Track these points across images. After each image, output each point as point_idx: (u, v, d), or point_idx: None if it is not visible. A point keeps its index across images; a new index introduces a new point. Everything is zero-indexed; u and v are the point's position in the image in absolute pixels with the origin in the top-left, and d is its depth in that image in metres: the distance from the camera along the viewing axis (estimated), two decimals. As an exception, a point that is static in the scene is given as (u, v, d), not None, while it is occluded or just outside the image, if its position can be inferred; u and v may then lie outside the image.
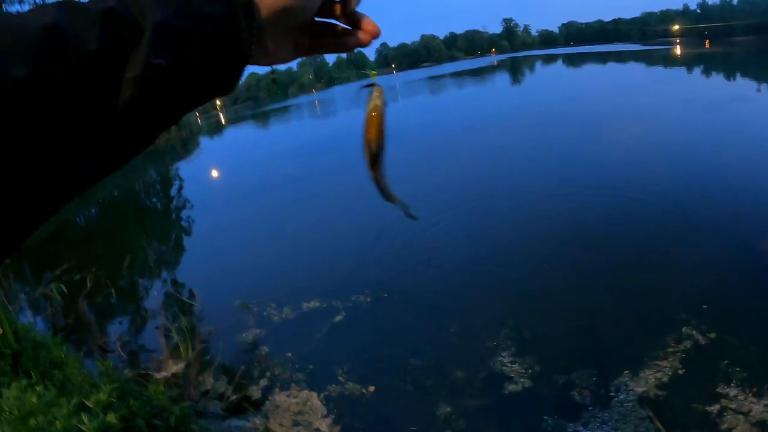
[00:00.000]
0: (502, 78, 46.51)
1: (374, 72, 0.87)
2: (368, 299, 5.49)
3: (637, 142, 10.92)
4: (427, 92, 40.39)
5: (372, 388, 4.13)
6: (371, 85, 0.86)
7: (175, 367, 4.74)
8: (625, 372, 3.77)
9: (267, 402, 4.20)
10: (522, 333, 4.43)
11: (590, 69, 44.87)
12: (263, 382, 4.42)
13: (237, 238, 9.24)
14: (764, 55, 35.87)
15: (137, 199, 20.43)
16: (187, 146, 38.04)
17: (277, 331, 5.25)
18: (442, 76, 59.55)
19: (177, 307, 6.19)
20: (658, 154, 9.62)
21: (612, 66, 43.69)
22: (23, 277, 9.75)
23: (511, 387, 3.87)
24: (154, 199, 19.45)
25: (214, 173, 20.86)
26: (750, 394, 3.36)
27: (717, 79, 24.23)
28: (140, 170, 30.82)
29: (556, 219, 6.86)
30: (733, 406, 3.31)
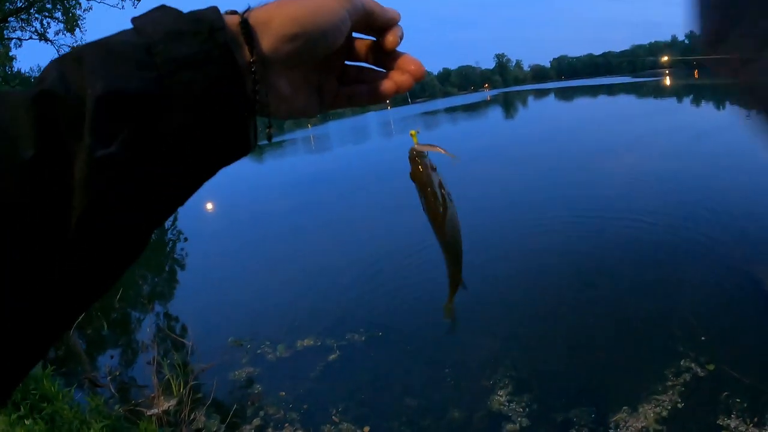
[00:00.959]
0: (496, 112, 47.07)
1: (414, 131, 0.69)
2: (363, 338, 5.43)
3: (630, 172, 10.99)
4: (422, 127, 40.69)
5: (367, 429, 4.07)
6: (418, 154, 0.67)
7: (167, 404, 4.67)
8: (624, 408, 3.74)
9: (260, 442, 4.14)
10: (519, 370, 4.39)
11: (582, 102, 45.61)
12: (257, 422, 4.35)
13: (231, 273, 9.19)
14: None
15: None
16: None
17: (271, 369, 5.19)
18: (436, 112, 60.10)
19: (169, 342, 6.11)
20: (653, 184, 9.66)
21: (603, 99, 44.40)
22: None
23: (509, 426, 3.82)
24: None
25: (209, 206, 20.86)
26: (751, 425, 3.35)
27: (707, 108, 24.64)
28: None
29: (551, 254, 6.85)
30: (734, 438, 3.29)
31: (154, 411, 4.55)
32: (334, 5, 0.54)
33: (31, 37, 26.66)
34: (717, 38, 0.48)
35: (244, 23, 0.51)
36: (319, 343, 5.45)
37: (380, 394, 4.51)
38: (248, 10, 0.54)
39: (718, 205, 7.64)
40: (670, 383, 3.88)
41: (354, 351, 5.25)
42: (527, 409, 3.94)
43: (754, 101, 0.46)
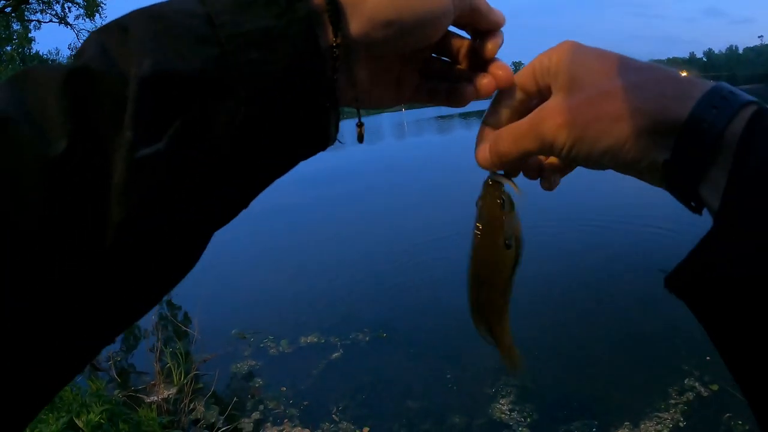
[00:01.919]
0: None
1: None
2: (367, 338, 5.42)
3: (637, 186, 10.92)
4: (435, 131, 40.73)
5: (366, 429, 4.05)
6: (496, 185, 0.56)
7: (167, 392, 4.66)
8: (626, 423, 3.71)
9: (258, 436, 4.14)
10: (522, 380, 4.36)
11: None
12: (256, 415, 4.34)
13: (237, 265, 9.19)
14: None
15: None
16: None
17: (273, 364, 5.19)
18: (451, 116, 60.07)
19: (172, 330, 6.12)
20: (664, 196, 9.57)
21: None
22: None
23: (509, 436, 3.80)
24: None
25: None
26: (752, 447, 3.32)
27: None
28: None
29: (557, 265, 6.81)
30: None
31: (154, 398, 4.55)
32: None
33: (51, 20, 26.87)
34: None
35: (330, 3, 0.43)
36: (323, 341, 5.44)
37: (381, 395, 4.49)
38: None
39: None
40: (673, 401, 3.85)
41: (357, 350, 5.24)
42: (528, 419, 3.91)
43: None
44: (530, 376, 4.41)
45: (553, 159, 0.57)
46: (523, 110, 0.53)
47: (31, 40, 27.14)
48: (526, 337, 5.07)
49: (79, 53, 0.40)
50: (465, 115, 57.52)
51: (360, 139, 0.54)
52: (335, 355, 5.16)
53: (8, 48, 25.40)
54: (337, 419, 4.17)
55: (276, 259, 9.40)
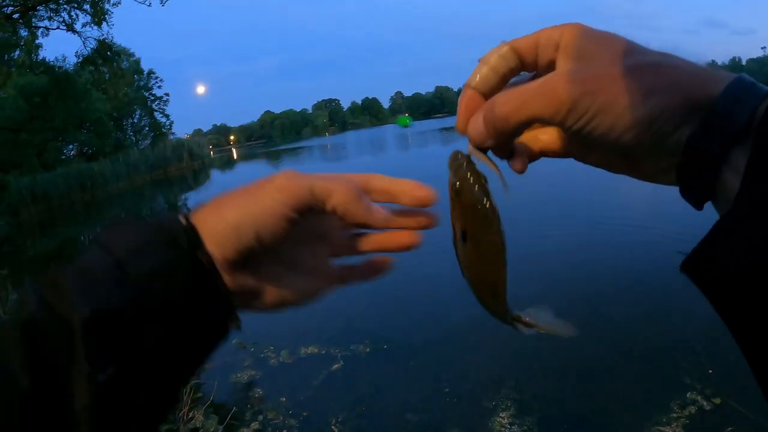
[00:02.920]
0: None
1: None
2: (368, 349, 5.41)
3: (645, 195, 10.90)
4: (439, 143, 40.79)
5: (365, 441, 4.05)
6: (468, 161, 0.54)
7: (166, 402, 4.65)
8: (627, 438, 3.69)
9: (257, 446, 4.12)
10: (522, 393, 4.35)
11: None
12: (255, 425, 4.33)
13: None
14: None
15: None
16: (197, 178, 38.39)
17: (273, 374, 5.18)
18: (455, 128, 60.15)
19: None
20: (668, 206, 9.57)
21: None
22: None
23: (509, 450, 3.79)
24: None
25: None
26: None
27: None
28: (149, 197, 31.07)
29: (556, 278, 6.80)
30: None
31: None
32: (268, 203, 0.52)
33: (58, 27, 27.14)
34: None
35: (189, 228, 0.51)
36: (323, 352, 5.43)
37: (381, 406, 4.47)
38: (196, 209, 0.54)
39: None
40: (674, 414, 3.83)
41: (357, 362, 5.22)
42: (528, 433, 3.90)
43: None
44: (530, 390, 4.40)
45: (545, 136, 0.56)
46: (508, 82, 0.52)
47: (38, 47, 27.34)
48: (526, 349, 5.06)
49: (21, 303, 0.48)
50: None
51: (237, 328, 0.59)
52: (335, 366, 5.15)
53: (15, 54, 25.53)
54: (336, 430, 4.16)
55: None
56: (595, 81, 0.44)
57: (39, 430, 0.43)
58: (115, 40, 29.50)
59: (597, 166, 0.55)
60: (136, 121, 55.92)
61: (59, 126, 34.85)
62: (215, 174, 41.74)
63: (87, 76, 32.56)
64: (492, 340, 5.37)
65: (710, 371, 4.24)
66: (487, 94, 0.51)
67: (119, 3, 27.22)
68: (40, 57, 30.11)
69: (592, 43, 0.46)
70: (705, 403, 3.91)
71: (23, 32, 25.74)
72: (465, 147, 0.54)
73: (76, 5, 26.52)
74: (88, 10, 26.67)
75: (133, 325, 0.46)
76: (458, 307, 6.28)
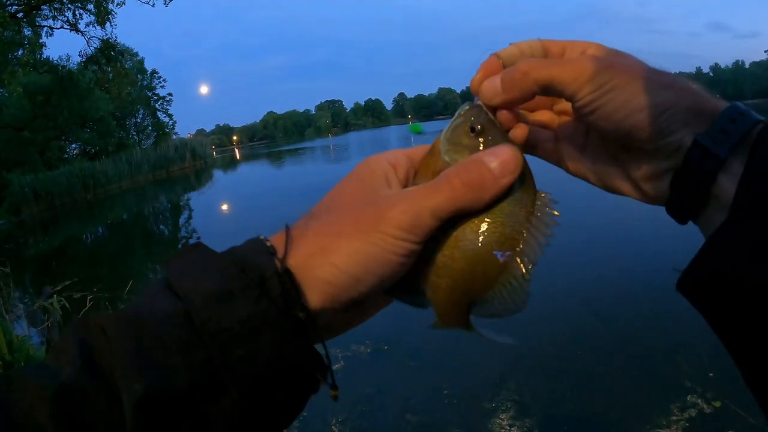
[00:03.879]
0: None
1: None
2: (368, 350, 5.42)
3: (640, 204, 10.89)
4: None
5: (365, 441, 4.05)
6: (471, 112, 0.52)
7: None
8: (628, 441, 3.69)
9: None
10: (522, 395, 4.35)
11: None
12: (255, 425, 4.33)
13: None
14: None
15: (145, 224, 20.52)
16: (200, 177, 38.39)
17: (274, 373, 5.15)
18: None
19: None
20: (663, 216, 9.57)
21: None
22: (23, 287, 9.72)
23: (508, 451, 3.79)
24: (162, 227, 19.53)
25: (224, 207, 20.95)
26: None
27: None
28: (151, 197, 31.07)
29: (559, 282, 6.79)
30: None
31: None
32: (389, 245, 0.45)
33: (62, 27, 27.14)
34: None
35: (286, 275, 0.43)
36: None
37: (381, 407, 4.48)
38: (287, 245, 0.46)
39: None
40: (675, 417, 3.83)
41: (358, 362, 5.23)
42: (528, 435, 3.90)
43: None
44: (530, 391, 4.39)
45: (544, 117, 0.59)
46: None
47: (42, 46, 27.35)
48: (526, 351, 5.06)
49: (61, 349, 0.40)
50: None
51: (334, 398, 0.52)
52: (335, 366, 5.09)
53: (19, 53, 25.55)
54: (336, 430, 4.16)
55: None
56: (617, 64, 0.47)
57: None
58: (118, 40, 29.52)
59: (585, 173, 0.56)
60: (139, 120, 55.89)
61: (62, 125, 34.86)
62: (218, 174, 41.79)
63: (90, 76, 32.55)
64: (491, 343, 5.36)
65: (711, 374, 4.23)
66: (508, 66, 0.52)
67: (123, 3, 27.23)
68: (44, 56, 30.18)
69: (616, 53, 0.50)
70: (705, 406, 3.90)
71: (27, 31, 25.75)
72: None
73: (80, 5, 26.55)
74: (92, 10, 26.70)
75: (201, 402, 0.39)
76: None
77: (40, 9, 25.45)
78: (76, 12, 26.83)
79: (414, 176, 0.54)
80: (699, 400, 3.97)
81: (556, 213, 0.52)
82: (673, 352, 4.67)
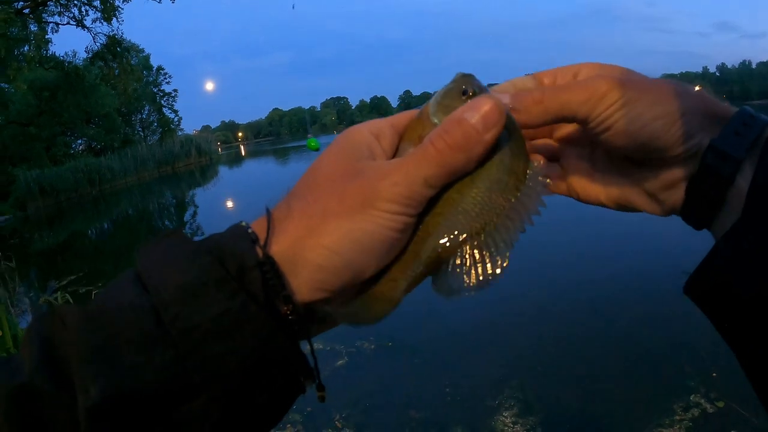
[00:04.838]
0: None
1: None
2: (372, 346, 5.42)
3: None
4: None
5: (369, 437, 4.05)
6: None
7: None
8: (631, 441, 3.68)
9: (260, 441, 4.12)
10: (525, 393, 4.34)
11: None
12: (258, 420, 4.33)
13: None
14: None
15: (150, 219, 20.56)
16: (205, 174, 38.43)
17: (278, 369, 5.15)
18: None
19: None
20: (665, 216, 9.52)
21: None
22: (29, 282, 9.76)
23: (512, 449, 3.79)
24: (167, 222, 19.55)
25: (230, 203, 20.96)
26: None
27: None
28: (156, 192, 31.11)
29: (564, 280, 6.79)
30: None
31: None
32: (385, 219, 0.42)
33: (68, 23, 27.20)
34: None
35: (269, 264, 0.39)
36: (328, 348, 5.43)
37: (385, 403, 4.48)
38: (268, 230, 0.42)
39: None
40: (677, 417, 3.82)
41: (362, 358, 5.23)
42: (531, 433, 3.90)
43: None
44: (534, 390, 4.39)
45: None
46: None
47: (48, 42, 27.43)
48: (530, 350, 5.06)
49: (24, 342, 0.37)
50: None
51: (321, 400, 0.49)
52: (340, 362, 5.15)
53: (25, 48, 25.61)
54: (339, 426, 4.16)
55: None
56: (626, 80, 0.46)
57: None
58: (124, 36, 29.58)
59: (597, 196, 0.56)
60: (144, 116, 56.04)
61: (68, 121, 34.94)
62: (223, 170, 41.84)
63: (96, 72, 32.65)
64: (497, 339, 5.37)
65: (714, 374, 4.22)
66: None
67: (129, -1, 27.28)
68: (50, 52, 30.25)
69: (618, 69, 0.50)
70: (708, 406, 3.90)
71: (33, 27, 25.84)
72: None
73: (86, 1, 26.62)
74: (98, 6, 26.75)
75: (170, 404, 0.35)
76: (464, 306, 6.28)
77: (46, 5, 25.50)
78: (82, 8, 26.91)
79: (399, 142, 0.50)
80: (702, 400, 3.96)
81: (548, 181, 0.48)
82: (676, 351, 4.66)
